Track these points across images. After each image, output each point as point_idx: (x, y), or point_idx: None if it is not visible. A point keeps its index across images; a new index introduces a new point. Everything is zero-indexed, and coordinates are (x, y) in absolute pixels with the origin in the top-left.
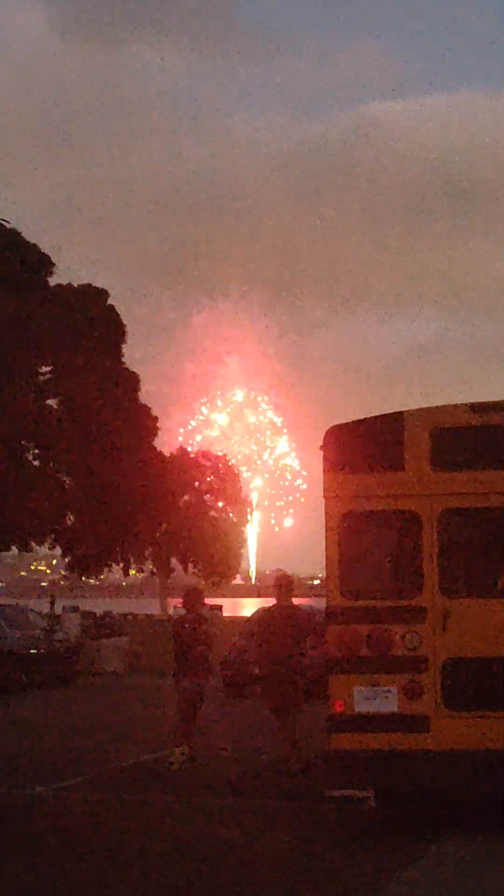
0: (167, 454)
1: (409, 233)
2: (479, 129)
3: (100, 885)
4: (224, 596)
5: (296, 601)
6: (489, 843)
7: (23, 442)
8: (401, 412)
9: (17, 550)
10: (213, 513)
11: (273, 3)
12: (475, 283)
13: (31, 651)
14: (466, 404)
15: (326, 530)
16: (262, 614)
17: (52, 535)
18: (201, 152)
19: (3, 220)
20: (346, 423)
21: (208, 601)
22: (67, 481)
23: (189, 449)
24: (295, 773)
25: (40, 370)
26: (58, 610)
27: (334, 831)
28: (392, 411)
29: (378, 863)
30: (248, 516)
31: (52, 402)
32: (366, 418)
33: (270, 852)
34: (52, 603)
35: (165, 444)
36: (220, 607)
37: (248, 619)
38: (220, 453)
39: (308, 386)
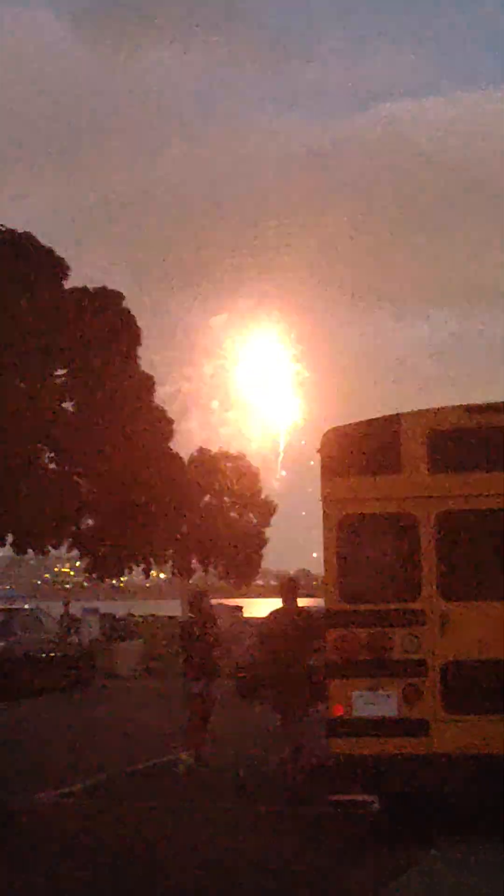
0: (187, 456)
1: (431, 233)
2: (502, 129)
3: (101, 892)
4: (247, 597)
5: (312, 602)
6: (489, 847)
7: (38, 444)
8: (397, 414)
9: (32, 553)
10: (233, 514)
11: (291, 4)
12: (497, 284)
13: (43, 655)
14: (463, 406)
15: (324, 534)
16: (269, 617)
17: (69, 538)
18: (219, 155)
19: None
20: (343, 426)
21: (230, 602)
22: (83, 484)
23: (208, 450)
24: (299, 776)
25: (56, 373)
26: (77, 613)
27: (337, 836)
28: (389, 413)
29: (379, 867)
30: (270, 518)
31: (67, 404)
32: (362, 421)
33: (273, 857)
34: (67, 606)
35: (185, 445)
36: (240, 608)
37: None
38: (238, 454)
39: (328, 387)
